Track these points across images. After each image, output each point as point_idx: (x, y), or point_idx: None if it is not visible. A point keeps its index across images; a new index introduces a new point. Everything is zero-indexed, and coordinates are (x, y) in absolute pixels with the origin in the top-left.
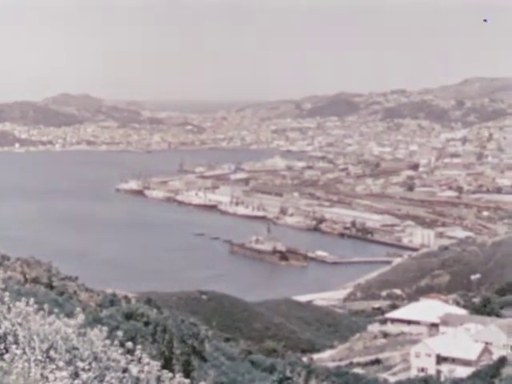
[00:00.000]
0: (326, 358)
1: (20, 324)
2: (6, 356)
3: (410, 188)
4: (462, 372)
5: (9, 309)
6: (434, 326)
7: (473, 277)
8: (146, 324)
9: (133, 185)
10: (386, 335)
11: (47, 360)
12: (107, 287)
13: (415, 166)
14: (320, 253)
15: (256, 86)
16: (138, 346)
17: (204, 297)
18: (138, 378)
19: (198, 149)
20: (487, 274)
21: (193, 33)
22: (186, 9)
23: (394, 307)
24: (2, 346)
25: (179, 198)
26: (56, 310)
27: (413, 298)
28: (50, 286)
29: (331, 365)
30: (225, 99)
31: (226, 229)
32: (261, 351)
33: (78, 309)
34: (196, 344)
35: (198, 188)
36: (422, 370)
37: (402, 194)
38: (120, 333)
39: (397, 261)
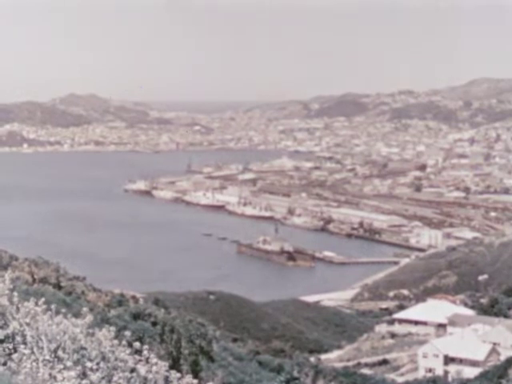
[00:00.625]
0: (333, 358)
1: (28, 324)
2: (15, 356)
3: (418, 189)
4: (470, 373)
5: (17, 309)
6: (441, 326)
7: (480, 277)
8: (154, 324)
9: (141, 185)
10: (393, 336)
11: (55, 360)
12: (115, 287)
13: (423, 167)
14: (327, 253)
15: (264, 86)
16: (146, 346)
17: (212, 297)
18: (145, 378)
19: (205, 149)
20: (495, 274)
21: (200, 33)
22: (192, 8)
23: (401, 308)
24: (11, 345)
25: (187, 198)
26: (64, 310)
27: (420, 298)
28: (58, 286)
29: (339, 365)
30: (232, 100)
31: (233, 229)
32: (268, 351)
33: (85, 309)
34: (204, 344)
35: (206, 188)
36: (430, 370)
37: (410, 194)
38: (128, 333)
39: (404, 261)
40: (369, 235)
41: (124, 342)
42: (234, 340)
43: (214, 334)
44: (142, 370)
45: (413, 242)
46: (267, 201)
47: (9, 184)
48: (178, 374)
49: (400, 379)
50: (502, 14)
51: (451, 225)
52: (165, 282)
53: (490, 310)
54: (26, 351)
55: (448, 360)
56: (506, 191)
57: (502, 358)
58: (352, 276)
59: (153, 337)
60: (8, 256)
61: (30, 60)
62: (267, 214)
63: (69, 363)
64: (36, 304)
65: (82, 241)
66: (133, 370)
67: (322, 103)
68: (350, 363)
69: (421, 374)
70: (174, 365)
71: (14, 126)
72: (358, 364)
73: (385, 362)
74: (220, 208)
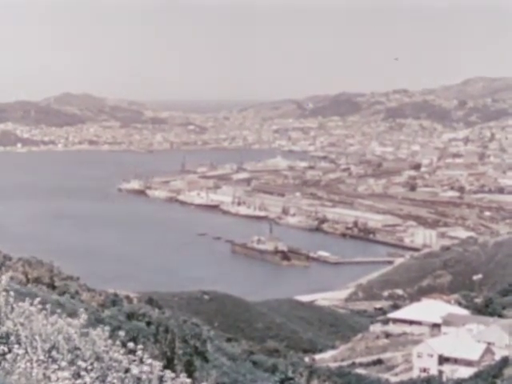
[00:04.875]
0: (327, 358)
1: (22, 324)
2: (9, 356)
3: (412, 188)
4: (464, 372)
5: (12, 309)
6: (436, 326)
7: (475, 277)
8: (148, 324)
9: (135, 184)
10: (387, 335)
11: (49, 360)
12: (108, 287)
13: (417, 166)
14: (322, 253)
15: (258, 85)
16: (140, 346)
17: (206, 297)
18: (139, 378)
19: (200, 149)
20: (489, 274)
21: (195, 32)
22: (187, 8)
23: (395, 307)
24: (5, 346)
25: (181, 197)
26: (58, 310)
27: (415, 298)
28: (52, 286)
29: (333, 365)
30: (227, 99)
31: (227, 229)
32: (263, 351)
33: (82, 309)
34: (198, 344)
35: (200, 188)
36: (424, 370)
37: (404, 194)
38: (122, 333)
39: (399, 261)
40: (363, 235)
41: (118, 342)
42: (228, 340)
43: (209, 333)
44: (135, 370)
45: (407, 241)
46: (261, 200)
47: (2, 183)
48: (172, 374)
49: (394, 379)
50: (497, 13)
51: (446, 224)
52: (159, 281)
53: (485, 309)
54: (20, 351)
55: (442, 360)
56: (501, 191)
57: (497, 357)
58: (346, 276)
59: (147, 337)
60: (2, 256)
61: (24, 59)
62: (261, 213)
63: (63, 363)
64: (31, 304)
65: (75, 240)
66: (127, 370)
67: (317, 102)
68: (345, 363)
69: (415, 373)
70: (168, 365)
71: (7, 125)
72: (353, 364)
73: (379, 361)
74: (214, 207)
